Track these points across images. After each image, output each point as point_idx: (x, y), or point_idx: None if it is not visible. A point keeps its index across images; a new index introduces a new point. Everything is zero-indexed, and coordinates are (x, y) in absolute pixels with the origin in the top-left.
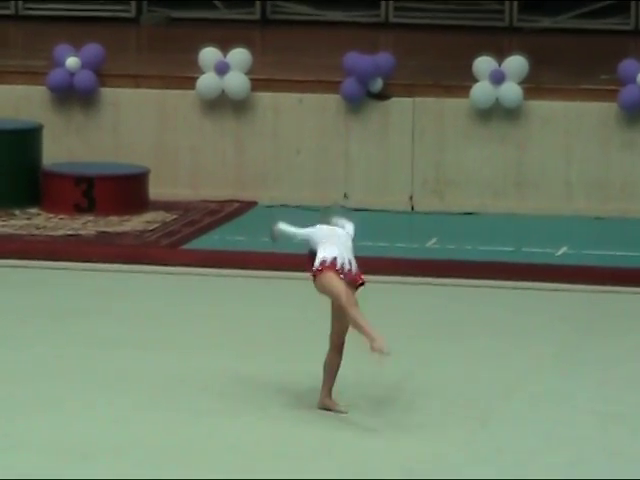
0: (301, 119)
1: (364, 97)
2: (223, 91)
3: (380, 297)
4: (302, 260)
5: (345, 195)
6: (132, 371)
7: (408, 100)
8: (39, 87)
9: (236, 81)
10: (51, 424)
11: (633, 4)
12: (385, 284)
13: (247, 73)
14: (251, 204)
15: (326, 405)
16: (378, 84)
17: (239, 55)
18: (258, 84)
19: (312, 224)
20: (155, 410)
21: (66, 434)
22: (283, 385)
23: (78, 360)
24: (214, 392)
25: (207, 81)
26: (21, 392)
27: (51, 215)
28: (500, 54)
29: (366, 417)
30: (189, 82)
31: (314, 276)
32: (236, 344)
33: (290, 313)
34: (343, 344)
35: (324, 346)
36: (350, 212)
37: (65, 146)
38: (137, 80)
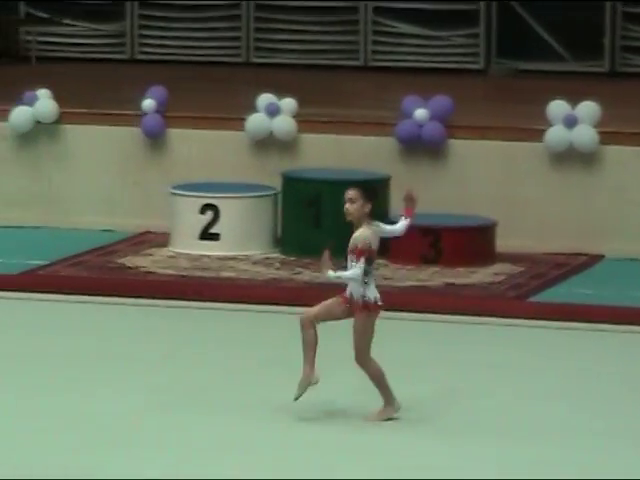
0: None
1: None
2: (571, 144)
3: None
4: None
5: None
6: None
7: None
8: (387, 138)
9: (584, 134)
10: None
11: None
12: None
13: (595, 126)
14: (598, 257)
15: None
16: None
17: (588, 108)
18: (606, 137)
19: None
20: None
21: None
22: None
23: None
24: None
25: (555, 134)
26: None
27: (398, 266)
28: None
29: None
30: (536, 135)
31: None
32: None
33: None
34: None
35: None
36: None
37: None
38: (484, 131)
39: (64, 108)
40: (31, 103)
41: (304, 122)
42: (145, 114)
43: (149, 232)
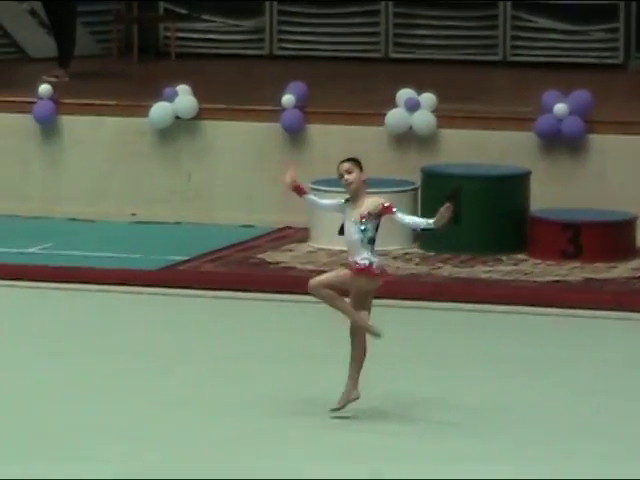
0: None
1: None
2: None
3: None
4: None
5: None
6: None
7: None
8: (527, 133)
9: None
10: None
11: None
12: None
13: None
14: None
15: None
16: None
17: None
18: None
19: None
20: None
21: None
22: None
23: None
24: None
25: None
26: None
27: (538, 261)
28: None
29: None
30: None
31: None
32: None
33: None
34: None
35: None
36: None
37: (550, 192)
38: (624, 126)
39: (203, 104)
40: (171, 99)
41: (443, 117)
42: (284, 110)
43: (289, 227)
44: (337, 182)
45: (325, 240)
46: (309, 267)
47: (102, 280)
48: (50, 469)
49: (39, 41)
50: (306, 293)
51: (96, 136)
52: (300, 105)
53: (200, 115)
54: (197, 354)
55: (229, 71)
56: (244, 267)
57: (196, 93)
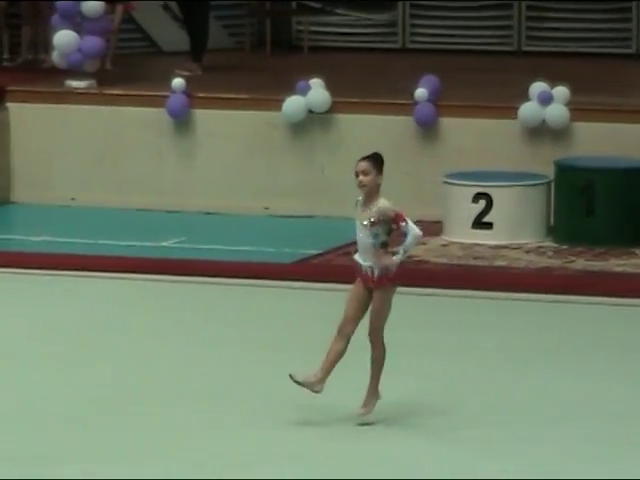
0: None
1: None
2: None
3: None
4: None
5: None
6: None
7: None
8: None
9: None
10: None
11: None
12: None
13: None
14: None
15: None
16: None
17: None
18: None
19: None
20: None
21: None
22: None
23: None
24: None
25: None
26: None
27: None
28: None
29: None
30: None
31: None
32: None
33: None
34: (352, 334)
35: None
36: None
37: None
38: None
39: (336, 97)
40: (304, 93)
41: (577, 110)
42: (417, 103)
43: (421, 221)
44: (470, 175)
45: (458, 233)
46: (442, 261)
47: (235, 273)
48: None
49: (172, 35)
50: (437, 286)
51: (229, 130)
52: (433, 98)
53: (333, 109)
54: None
55: (362, 64)
56: None
57: (329, 87)
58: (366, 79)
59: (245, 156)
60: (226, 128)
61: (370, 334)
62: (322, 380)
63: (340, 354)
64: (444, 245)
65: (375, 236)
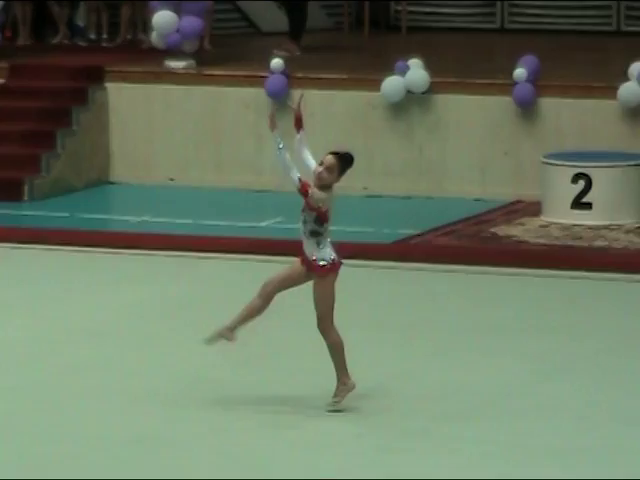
0: None
1: None
2: None
3: None
4: None
5: None
6: None
7: None
8: None
9: None
10: None
11: None
12: None
13: None
14: None
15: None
16: None
17: None
18: None
19: None
20: None
21: None
22: None
23: None
24: None
25: None
26: None
27: None
28: None
29: None
30: None
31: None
32: None
33: None
34: (272, 295)
35: None
36: None
37: None
38: None
39: (435, 78)
40: (403, 73)
41: None
42: (516, 83)
43: (520, 201)
44: (569, 156)
45: (557, 214)
46: (541, 241)
47: None
48: None
49: (270, 15)
50: (536, 267)
51: (328, 110)
52: (532, 78)
53: (431, 89)
54: (434, 327)
55: (460, 45)
56: (476, 241)
57: (428, 67)
58: (465, 59)
59: (344, 136)
60: (325, 108)
61: (318, 325)
62: (231, 330)
63: (256, 311)
64: (543, 226)
65: (303, 223)
